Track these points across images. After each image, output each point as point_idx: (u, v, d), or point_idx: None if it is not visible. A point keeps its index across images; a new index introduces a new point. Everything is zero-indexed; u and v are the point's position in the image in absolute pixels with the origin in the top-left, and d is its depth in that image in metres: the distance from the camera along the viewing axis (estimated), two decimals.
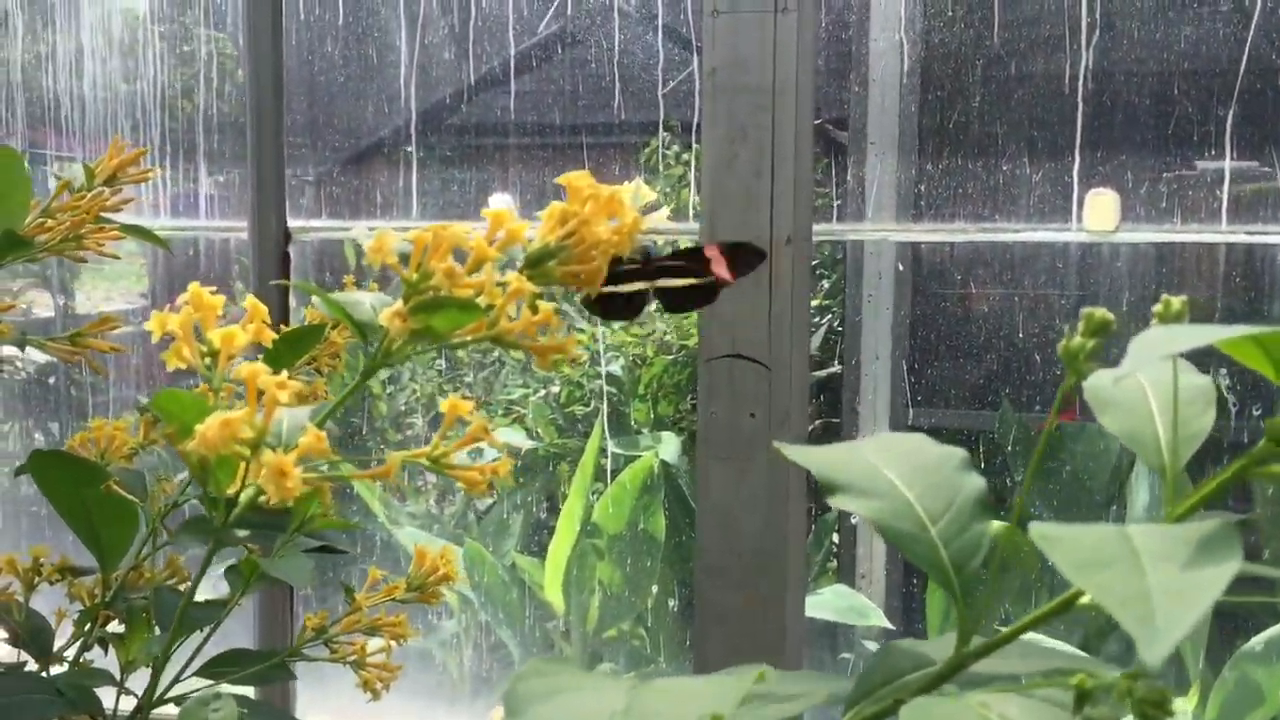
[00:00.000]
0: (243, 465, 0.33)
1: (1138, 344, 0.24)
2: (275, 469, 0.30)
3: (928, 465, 0.31)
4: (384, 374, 2.06)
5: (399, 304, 0.33)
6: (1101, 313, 0.26)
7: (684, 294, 0.54)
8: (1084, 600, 0.26)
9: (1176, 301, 0.26)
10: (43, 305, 1.94)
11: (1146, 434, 0.28)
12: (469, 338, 0.35)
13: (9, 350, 1.87)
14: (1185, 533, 0.23)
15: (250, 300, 0.36)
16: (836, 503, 0.30)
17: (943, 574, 0.28)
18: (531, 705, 0.24)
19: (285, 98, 1.34)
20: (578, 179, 0.36)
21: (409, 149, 1.65)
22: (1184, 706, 1.52)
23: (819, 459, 0.31)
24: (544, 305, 0.36)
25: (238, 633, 1.42)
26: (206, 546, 0.40)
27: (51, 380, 1.89)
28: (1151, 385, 0.29)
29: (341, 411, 1.62)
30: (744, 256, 0.57)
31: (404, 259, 0.34)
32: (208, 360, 0.36)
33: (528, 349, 0.36)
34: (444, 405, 0.35)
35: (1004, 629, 0.30)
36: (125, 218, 0.63)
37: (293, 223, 1.38)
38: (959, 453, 0.31)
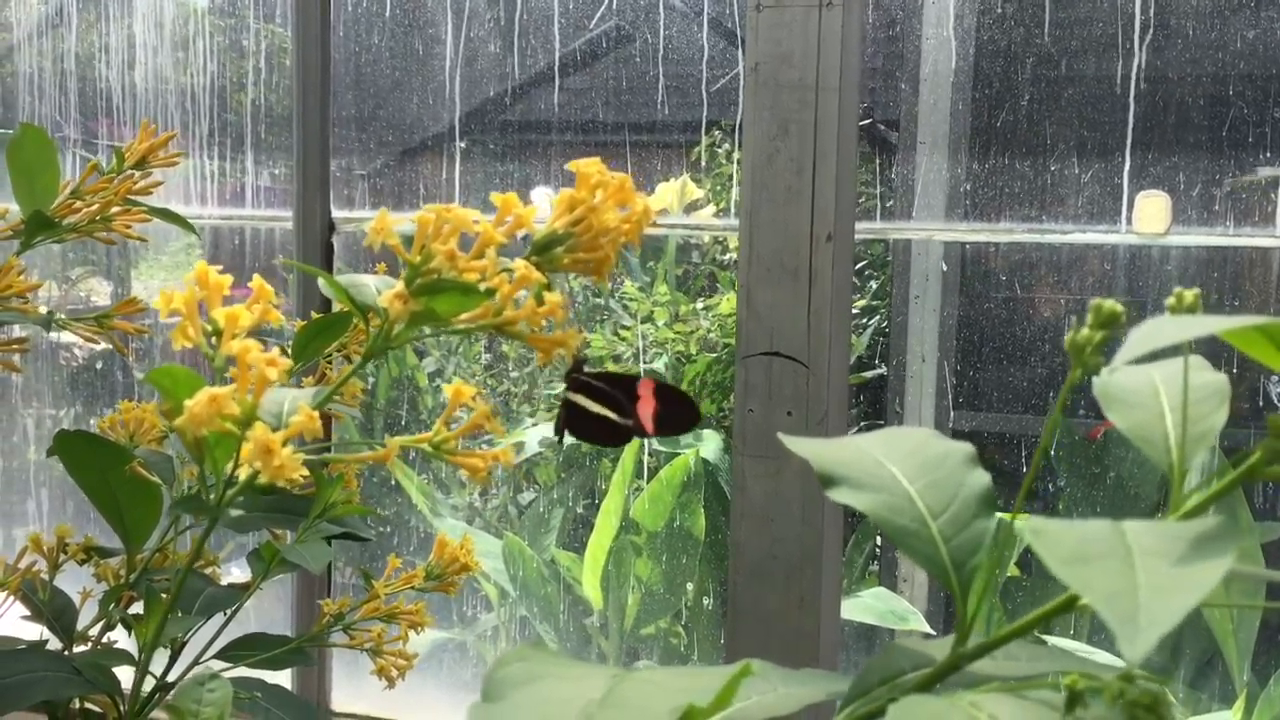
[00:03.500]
0: (237, 446, 0.33)
1: (1136, 334, 0.23)
2: (262, 446, 0.30)
3: (932, 460, 0.30)
4: (430, 367, 2.07)
5: (399, 285, 0.33)
6: (1110, 304, 0.25)
7: (588, 421, 0.51)
8: (1085, 600, 0.25)
9: (1189, 294, 0.25)
10: (101, 294, 1.97)
11: (1155, 431, 0.27)
12: (471, 324, 0.34)
13: (67, 337, 1.90)
14: (1183, 530, 0.22)
15: (257, 280, 0.36)
16: (835, 496, 0.29)
17: (941, 571, 0.28)
18: (509, 691, 0.24)
19: (332, 89, 1.35)
20: (587, 165, 0.36)
21: (453, 143, 1.66)
22: (1230, 718, 1.49)
23: (819, 451, 0.30)
24: (551, 295, 0.36)
25: (276, 621, 1.44)
26: (220, 526, 0.39)
27: (99, 366, 1.92)
28: (1163, 382, 0.28)
29: (386, 404, 1.63)
30: (676, 410, 0.53)
31: (409, 242, 0.33)
32: (212, 339, 0.35)
33: (531, 342, 0.35)
34: (447, 390, 0.35)
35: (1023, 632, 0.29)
36: (174, 206, 0.63)
37: (337, 213, 1.39)
38: (964, 448, 0.30)
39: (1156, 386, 0.28)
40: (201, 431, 0.30)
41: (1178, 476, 0.26)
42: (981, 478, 0.29)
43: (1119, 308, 0.26)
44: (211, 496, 0.34)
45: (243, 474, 0.33)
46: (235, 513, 0.37)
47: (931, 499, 0.28)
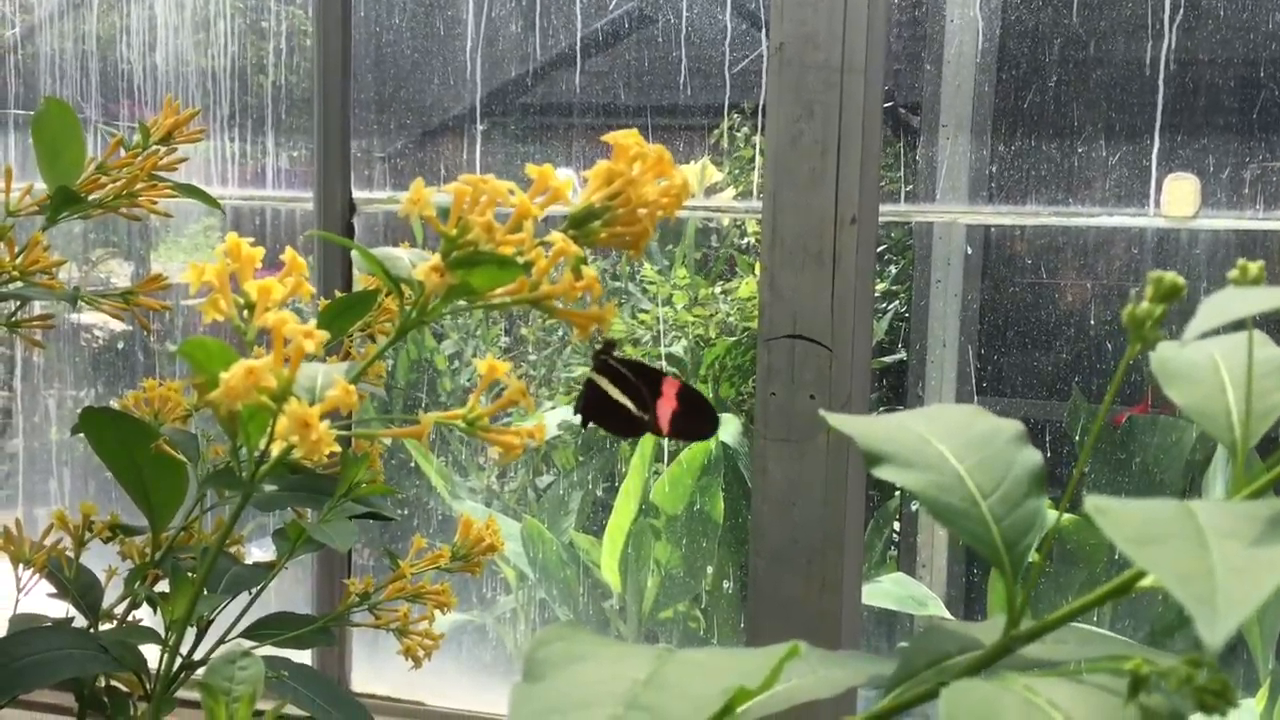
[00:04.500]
0: (272, 420, 0.32)
1: (1207, 305, 0.22)
2: (299, 420, 0.29)
3: (980, 438, 0.29)
4: (449, 350, 2.07)
5: (436, 258, 0.32)
6: (1172, 276, 0.25)
7: (607, 407, 0.50)
8: (1145, 582, 0.24)
9: (1254, 266, 0.24)
10: (122, 275, 1.98)
11: (1217, 408, 0.26)
12: (508, 298, 0.34)
13: (88, 319, 1.90)
14: (1255, 510, 0.21)
15: (289, 253, 0.36)
16: (881, 474, 0.28)
17: (993, 551, 0.27)
18: (550, 671, 0.23)
19: (352, 70, 1.35)
20: (624, 137, 0.35)
21: (474, 125, 1.65)
22: (1253, 707, 1.48)
23: (864, 428, 0.29)
24: (588, 270, 0.35)
25: (296, 602, 1.44)
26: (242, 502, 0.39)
27: (121, 346, 1.92)
28: (1223, 357, 0.27)
29: (405, 386, 1.63)
30: (695, 416, 0.52)
31: (444, 215, 0.33)
32: (244, 314, 0.35)
33: (567, 317, 0.35)
34: (480, 366, 0.34)
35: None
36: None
37: (358, 194, 1.38)
38: (1014, 425, 0.30)
39: (1216, 362, 0.27)
40: (236, 406, 0.30)
41: (1241, 454, 0.25)
42: (1032, 456, 0.29)
43: (1180, 280, 0.25)
44: (244, 472, 0.34)
45: (275, 449, 0.32)
46: (269, 488, 0.37)
47: (981, 478, 0.28)
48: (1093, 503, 0.21)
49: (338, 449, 0.31)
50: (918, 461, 0.28)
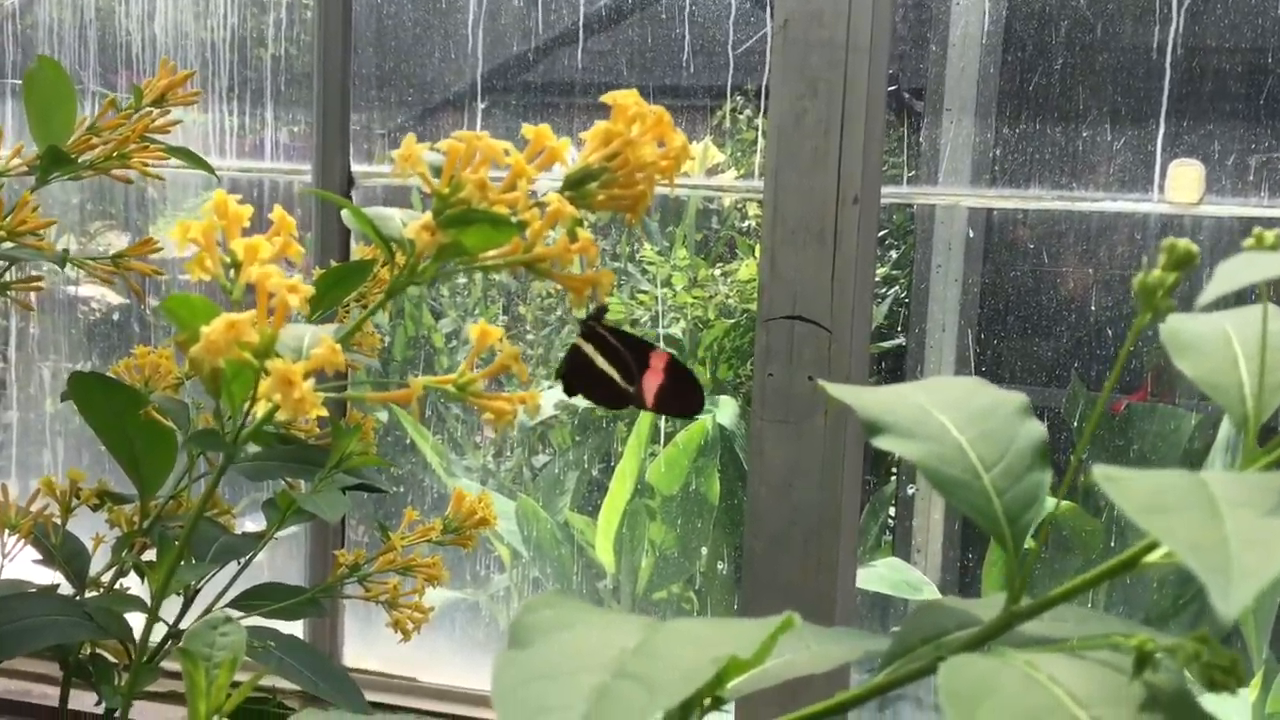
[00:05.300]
0: (256, 379, 0.31)
1: (1223, 269, 0.21)
2: (282, 377, 0.28)
3: (983, 409, 0.28)
4: (446, 329, 2.06)
5: (427, 216, 0.31)
6: (1185, 243, 0.24)
7: (591, 375, 0.48)
8: (1152, 557, 0.24)
9: (1270, 234, 0.23)
10: (121, 247, 1.96)
11: (1229, 380, 0.26)
12: (501, 259, 0.33)
13: (85, 291, 1.89)
14: (1268, 481, 0.21)
15: (277, 211, 0.35)
16: (881, 444, 0.28)
17: (994, 524, 0.26)
18: (537, 638, 0.23)
19: (353, 44, 1.34)
20: (624, 96, 0.34)
21: (475, 101, 1.64)
22: (1245, 696, 1.47)
23: (865, 399, 0.29)
24: (584, 233, 0.34)
25: (290, 575, 1.43)
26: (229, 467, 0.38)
27: (116, 318, 1.91)
28: (1236, 329, 0.27)
29: (402, 362, 1.62)
30: (682, 392, 0.50)
31: (437, 172, 0.32)
32: (231, 272, 0.34)
33: (561, 281, 0.34)
34: (473, 330, 0.33)
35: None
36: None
37: (356, 168, 1.37)
38: (1017, 397, 0.29)
39: (1228, 334, 0.26)
40: (218, 361, 0.29)
41: (1253, 427, 0.25)
42: (1035, 429, 0.28)
43: (1194, 248, 0.24)
44: (227, 433, 0.33)
45: (260, 410, 0.31)
46: (252, 448, 0.36)
47: (983, 450, 0.27)
48: (1101, 471, 0.21)
49: (324, 412, 0.30)
50: (919, 432, 0.27)
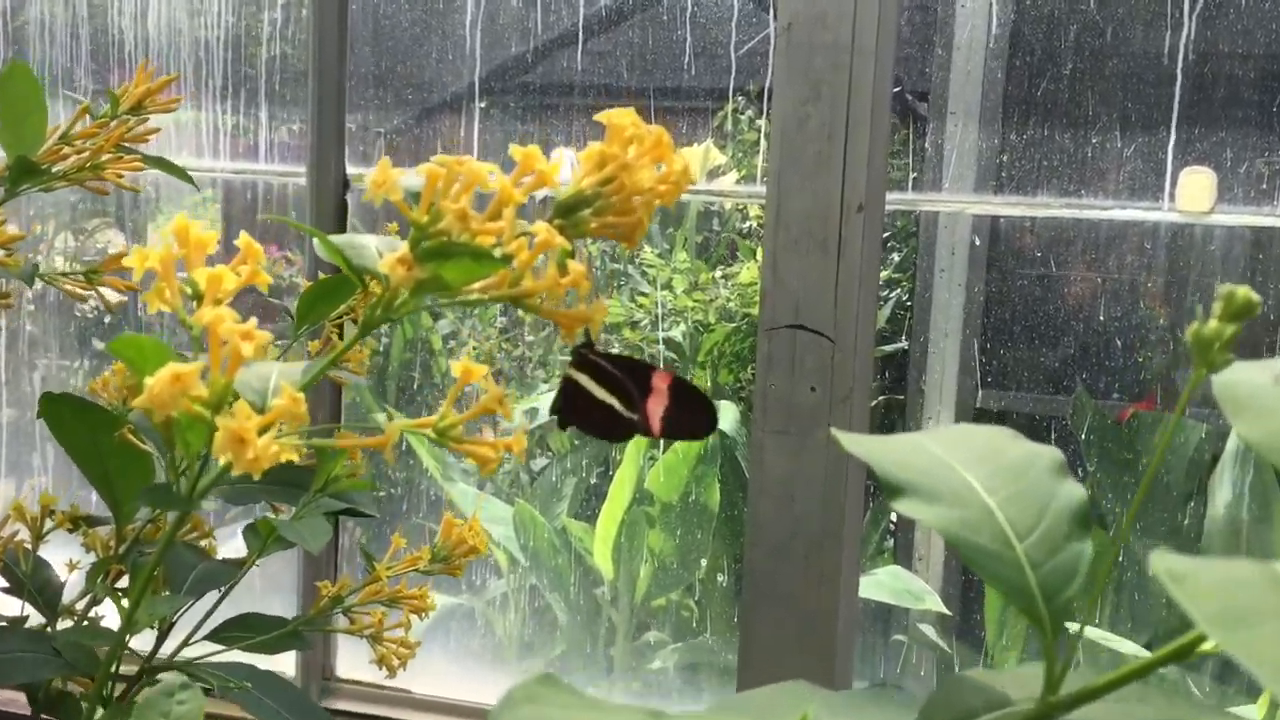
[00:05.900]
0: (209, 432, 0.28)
1: None
2: (234, 436, 0.26)
3: (1014, 466, 0.26)
4: (445, 330, 2.04)
5: (403, 248, 0.29)
6: (1245, 292, 0.21)
7: (589, 406, 0.44)
8: (1206, 646, 0.21)
9: (1241, 291, 0.21)
10: (118, 246, 1.94)
11: None
12: (484, 294, 0.30)
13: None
14: None
15: (244, 238, 0.32)
16: (902, 509, 0.25)
17: (1029, 602, 0.23)
18: None
19: (350, 43, 1.31)
20: (619, 116, 0.31)
21: (473, 102, 1.62)
22: (1255, 712, 1.45)
23: (882, 453, 0.26)
24: (575, 265, 0.32)
25: (284, 588, 1.41)
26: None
27: (108, 320, 1.89)
28: None
29: (399, 365, 1.59)
30: (690, 414, 0.46)
31: (416, 199, 0.29)
32: (193, 304, 0.31)
33: (551, 316, 0.31)
34: (455, 368, 0.31)
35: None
36: (184, 158, 0.59)
37: (352, 170, 1.35)
38: (1050, 452, 0.26)
39: None
40: (165, 414, 0.26)
41: None
42: (1074, 491, 0.25)
43: (1255, 297, 0.21)
44: (185, 481, 0.30)
45: (222, 459, 0.29)
46: (208, 505, 0.33)
47: (1015, 514, 0.24)
48: (1164, 565, 0.18)
49: (291, 456, 0.28)
50: (943, 493, 0.25)
